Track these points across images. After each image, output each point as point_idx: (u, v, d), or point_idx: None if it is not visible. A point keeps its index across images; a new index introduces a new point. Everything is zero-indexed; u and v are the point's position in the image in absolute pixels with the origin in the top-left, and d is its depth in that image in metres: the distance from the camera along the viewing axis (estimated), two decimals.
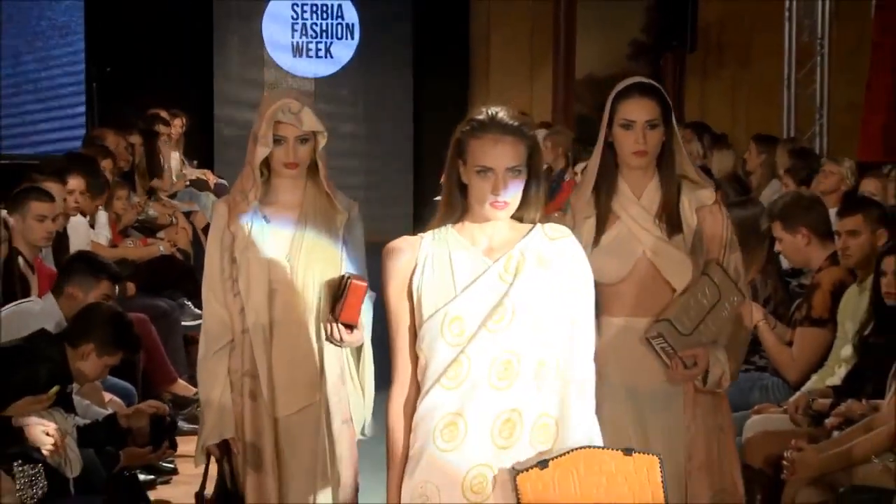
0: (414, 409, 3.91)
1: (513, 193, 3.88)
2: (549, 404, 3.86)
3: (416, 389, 3.93)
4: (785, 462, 6.07)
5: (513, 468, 3.80)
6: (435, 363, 3.87)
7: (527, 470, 3.76)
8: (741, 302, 4.86)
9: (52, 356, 6.15)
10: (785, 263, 8.53)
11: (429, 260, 3.91)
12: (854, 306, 6.85)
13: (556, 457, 3.77)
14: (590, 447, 3.81)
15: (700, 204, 4.85)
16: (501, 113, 3.92)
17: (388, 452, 3.98)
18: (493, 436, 3.84)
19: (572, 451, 3.79)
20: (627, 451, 3.82)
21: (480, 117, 3.92)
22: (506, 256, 3.90)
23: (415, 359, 3.93)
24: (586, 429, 3.88)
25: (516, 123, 3.90)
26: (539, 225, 3.96)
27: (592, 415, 3.90)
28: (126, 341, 6.40)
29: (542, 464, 3.76)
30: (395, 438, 3.96)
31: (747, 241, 7.38)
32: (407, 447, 3.92)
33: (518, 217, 3.95)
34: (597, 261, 4.04)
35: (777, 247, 7.40)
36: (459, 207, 3.96)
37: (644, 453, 3.86)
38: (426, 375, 3.89)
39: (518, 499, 3.76)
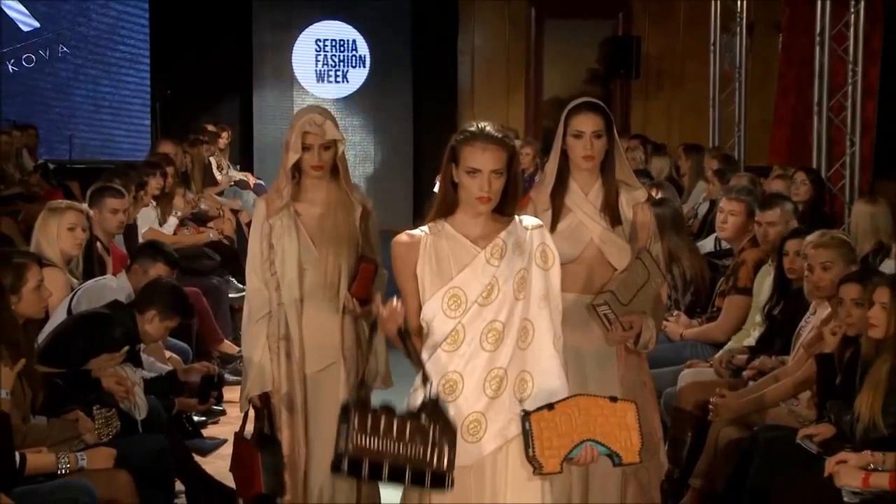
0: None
1: (495, 191, 3.88)
2: (527, 362, 3.87)
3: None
4: (710, 406, 6.06)
5: (524, 411, 3.81)
6: (436, 332, 3.87)
7: (538, 410, 3.78)
8: (663, 282, 4.87)
9: (125, 321, 6.15)
10: (709, 246, 8.55)
11: (429, 250, 3.91)
12: (764, 281, 6.86)
13: (560, 401, 3.79)
14: (584, 395, 3.86)
15: (634, 202, 4.84)
16: (488, 127, 3.92)
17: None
18: (485, 389, 3.84)
19: (572, 396, 3.82)
20: (613, 399, 3.86)
21: (472, 129, 3.92)
22: (492, 244, 3.90)
23: (420, 323, 3.92)
24: (555, 380, 3.88)
25: (500, 135, 3.90)
26: (517, 217, 3.97)
27: (561, 369, 3.91)
28: (182, 308, 6.40)
29: (549, 406, 3.78)
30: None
31: (663, 231, 7.41)
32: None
33: (499, 210, 3.94)
34: (554, 244, 4.03)
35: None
36: (452, 202, 3.95)
37: (625, 401, 3.88)
38: (429, 341, 3.89)
39: (531, 433, 3.76)
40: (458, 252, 3.91)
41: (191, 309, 6.63)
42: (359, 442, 3.72)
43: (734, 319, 7.00)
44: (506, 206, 3.95)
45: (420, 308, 3.91)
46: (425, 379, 3.83)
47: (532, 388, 3.87)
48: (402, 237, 3.97)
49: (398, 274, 3.98)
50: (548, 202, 4.81)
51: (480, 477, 3.87)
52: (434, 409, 3.76)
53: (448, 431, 3.74)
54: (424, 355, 3.88)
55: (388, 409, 3.78)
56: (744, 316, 6.96)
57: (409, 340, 3.86)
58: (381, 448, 3.73)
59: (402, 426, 3.74)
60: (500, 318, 3.86)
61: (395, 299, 3.86)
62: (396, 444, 3.73)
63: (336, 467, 3.74)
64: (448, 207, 3.97)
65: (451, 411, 3.81)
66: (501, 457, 3.87)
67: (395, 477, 3.74)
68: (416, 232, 3.97)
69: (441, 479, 3.72)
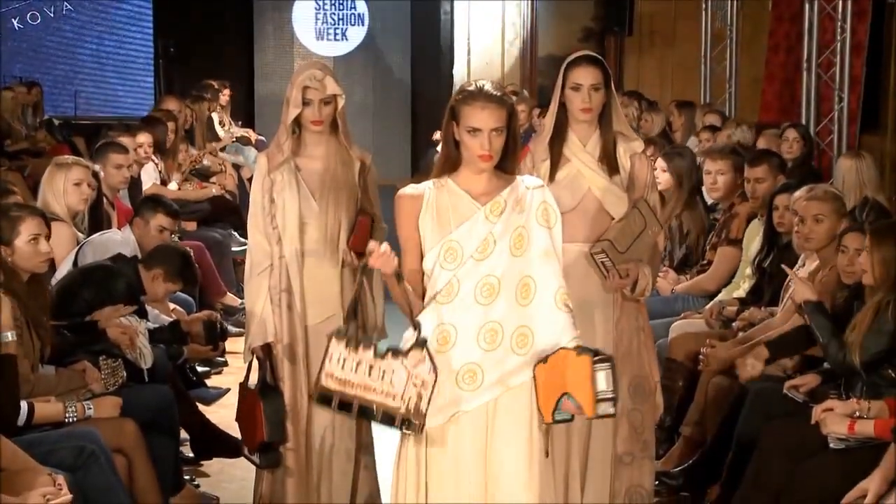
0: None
1: (496, 148, 3.86)
2: (527, 317, 3.85)
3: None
4: (701, 356, 6.08)
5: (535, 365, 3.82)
6: (433, 284, 3.87)
7: (538, 363, 3.79)
8: (659, 231, 4.87)
9: (128, 274, 6.17)
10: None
11: (431, 203, 3.90)
12: (755, 235, 6.86)
13: (550, 354, 3.78)
14: (563, 347, 3.81)
15: (632, 152, 4.83)
16: (487, 85, 3.89)
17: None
18: (479, 341, 3.84)
19: (558, 350, 3.81)
20: (579, 351, 3.80)
21: (471, 88, 3.89)
22: (492, 201, 3.89)
23: (420, 276, 3.93)
24: (559, 336, 3.85)
25: (499, 93, 3.87)
26: (518, 177, 3.96)
27: (567, 324, 3.86)
28: (187, 275, 6.44)
29: (544, 360, 3.79)
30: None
31: (681, 182, 7.42)
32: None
33: (500, 167, 3.92)
34: (553, 193, 4.02)
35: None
36: (454, 160, 3.93)
37: (584, 353, 3.80)
38: (427, 292, 3.90)
39: (535, 384, 3.80)
40: (459, 207, 3.90)
41: (194, 278, 6.68)
42: (330, 373, 3.74)
43: (725, 270, 7.01)
44: (506, 163, 3.93)
45: (420, 261, 3.92)
46: (415, 326, 3.83)
47: (533, 344, 3.85)
48: (407, 190, 3.97)
49: (400, 226, 3.97)
50: (546, 152, 4.81)
51: (477, 424, 3.88)
52: (418, 351, 3.75)
53: (431, 374, 3.73)
54: (424, 305, 3.89)
55: (369, 344, 3.78)
56: (734, 267, 6.97)
57: (402, 284, 3.87)
58: (351, 383, 3.74)
59: (377, 364, 3.74)
60: (496, 273, 3.84)
61: (384, 245, 3.84)
62: (368, 382, 3.74)
63: (315, 398, 3.81)
64: (451, 165, 3.95)
65: (444, 361, 3.81)
66: (502, 404, 3.87)
67: (365, 415, 3.77)
68: (421, 186, 3.96)
69: (410, 424, 3.74)
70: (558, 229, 3.93)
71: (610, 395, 3.79)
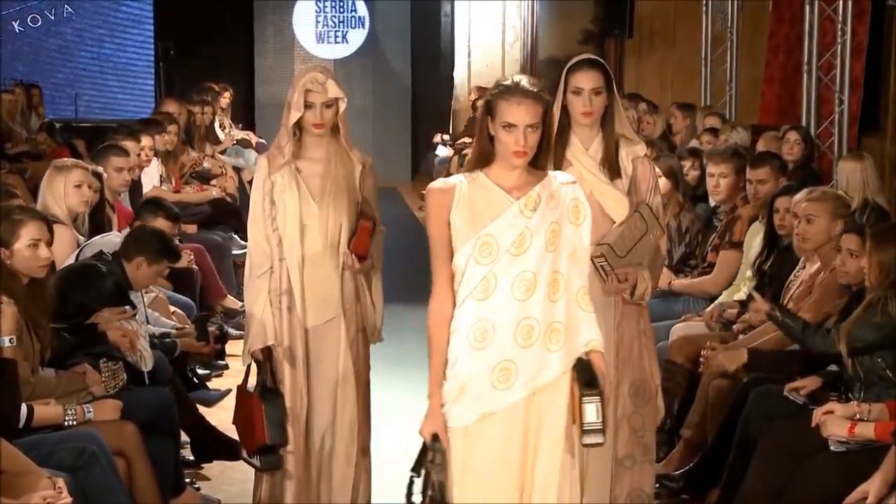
0: (450, 320, 3.87)
1: (531, 145, 3.84)
2: (559, 313, 3.86)
3: (452, 304, 3.89)
4: (701, 359, 6.08)
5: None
6: (469, 280, 3.85)
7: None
8: (661, 235, 4.87)
9: (114, 270, 6.13)
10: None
11: (464, 198, 3.88)
12: (755, 237, 6.86)
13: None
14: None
15: (634, 156, 4.83)
16: (524, 81, 3.88)
17: (430, 355, 3.91)
18: (516, 338, 3.84)
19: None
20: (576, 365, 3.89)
21: (507, 83, 3.88)
22: (526, 196, 3.87)
23: (451, 278, 3.89)
24: (587, 332, 3.88)
25: (535, 89, 3.86)
26: (551, 172, 3.96)
27: (593, 320, 3.91)
28: (167, 252, 6.36)
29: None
30: (436, 344, 3.90)
31: (677, 183, 7.44)
32: (445, 350, 3.88)
33: (532, 163, 3.91)
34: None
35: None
36: (488, 155, 3.91)
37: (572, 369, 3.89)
38: (461, 291, 3.86)
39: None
40: (493, 201, 3.87)
41: (176, 252, 6.59)
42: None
43: (727, 273, 7.00)
44: (539, 159, 3.92)
45: (450, 257, 3.88)
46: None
47: (562, 341, 3.86)
48: (437, 183, 3.94)
49: (430, 221, 3.94)
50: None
51: (511, 424, 3.86)
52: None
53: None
54: (456, 303, 3.86)
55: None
56: (736, 270, 6.96)
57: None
58: None
59: None
60: (532, 269, 3.84)
61: None
62: None
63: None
64: (484, 160, 3.92)
65: (481, 358, 3.82)
66: (534, 406, 3.87)
67: None
68: (452, 179, 3.93)
69: None
70: (587, 227, 3.94)
71: (598, 427, 3.82)
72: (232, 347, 7.71)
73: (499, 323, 3.83)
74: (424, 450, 3.85)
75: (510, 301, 3.83)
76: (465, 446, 3.85)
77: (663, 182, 7.36)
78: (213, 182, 11.03)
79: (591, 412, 3.82)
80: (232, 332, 8.04)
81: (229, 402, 6.52)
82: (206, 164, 11.32)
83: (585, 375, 3.86)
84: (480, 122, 3.93)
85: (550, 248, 3.86)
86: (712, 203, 7.69)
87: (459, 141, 15.12)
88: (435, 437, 3.84)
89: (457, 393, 3.84)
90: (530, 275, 3.84)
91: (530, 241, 3.85)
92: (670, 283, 7.14)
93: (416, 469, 3.84)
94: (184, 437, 6.12)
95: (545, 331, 3.85)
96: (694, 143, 10.51)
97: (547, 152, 3.93)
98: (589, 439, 3.85)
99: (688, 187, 7.58)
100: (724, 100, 12.85)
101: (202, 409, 6.58)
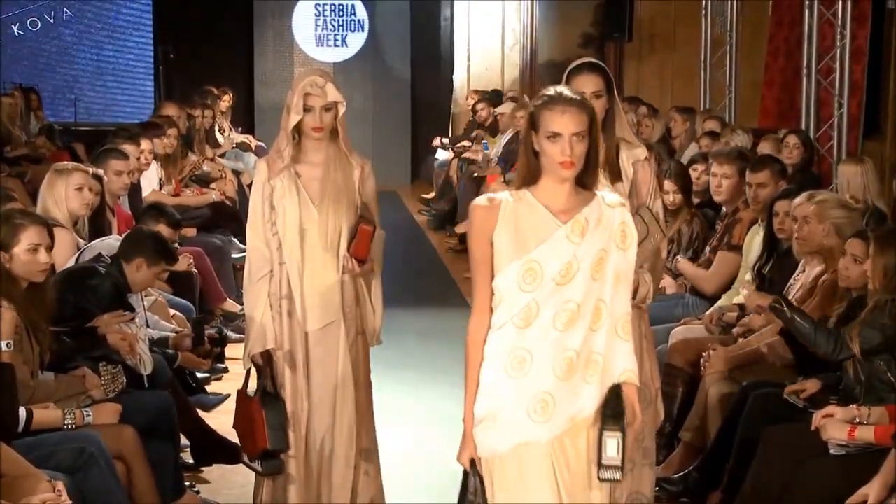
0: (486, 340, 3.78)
1: (578, 154, 3.72)
2: (599, 344, 3.74)
3: (489, 324, 3.77)
4: (702, 362, 6.08)
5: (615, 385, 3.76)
6: (510, 306, 3.72)
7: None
8: (662, 238, 4.87)
9: (112, 272, 6.14)
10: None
11: (509, 217, 3.73)
12: (755, 240, 6.86)
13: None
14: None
15: (635, 159, 4.83)
16: (566, 91, 3.78)
17: (466, 376, 3.79)
18: (555, 369, 3.71)
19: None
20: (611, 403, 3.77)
21: (549, 93, 3.77)
22: (573, 221, 3.73)
23: (491, 297, 3.76)
24: (623, 360, 3.78)
25: (578, 98, 3.76)
26: (598, 193, 3.81)
27: (630, 350, 3.79)
28: (166, 253, 6.40)
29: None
30: (473, 364, 3.77)
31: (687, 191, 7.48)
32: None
33: (579, 182, 3.77)
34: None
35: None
36: (535, 172, 3.78)
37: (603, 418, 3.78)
38: (500, 314, 3.74)
39: None
40: (539, 223, 3.73)
41: (174, 254, 6.63)
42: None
43: (724, 274, 7.00)
44: (586, 178, 3.78)
45: (490, 276, 3.75)
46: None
47: (600, 372, 3.74)
48: (482, 200, 3.78)
49: (472, 238, 3.80)
50: None
51: (546, 458, 3.75)
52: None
53: None
54: (493, 326, 3.74)
55: None
56: (733, 272, 6.96)
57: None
58: None
59: None
60: (577, 299, 3.71)
61: None
62: None
63: None
64: (531, 177, 3.77)
65: (517, 387, 3.72)
66: (569, 441, 3.76)
67: None
68: (498, 196, 3.78)
69: None
70: (633, 252, 3.80)
71: (617, 464, 3.70)
72: (232, 351, 7.72)
73: (537, 352, 3.71)
74: (466, 477, 3.75)
75: (550, 331, 3.71)
76: (498, 475, 3.75)
77: (679, 198, 7.39)
78: (213, 185, 11.03)
79: (612, 447, 3.68)
80: (231, 335, 8.05)
81: (229, 406, 6.52)
82: (205, 168, 11.32)
83: (612, 407, 3.71)
84: (525, 138, 3.80)
85: (596, 277, 3.73)
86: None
87: (459, 144, 15.13)
88: (472, 464, 3.75)
89: (490, 420, 3.75)
90: (574, 305, 3.71)
91: (577, 269, 3.71)
92: (676, 262, 7.12)
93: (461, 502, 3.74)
94: (183, 441, 6.12)
95: (584, 362, 3.74)
96: (693, 147, 10.52)
97: (595, 171, 3.79)
98: (606, 474, 3.70)
99: (699, 193, 7.58)
100: (724, 103, 12.86)
101: (201, 413, 6.58)
